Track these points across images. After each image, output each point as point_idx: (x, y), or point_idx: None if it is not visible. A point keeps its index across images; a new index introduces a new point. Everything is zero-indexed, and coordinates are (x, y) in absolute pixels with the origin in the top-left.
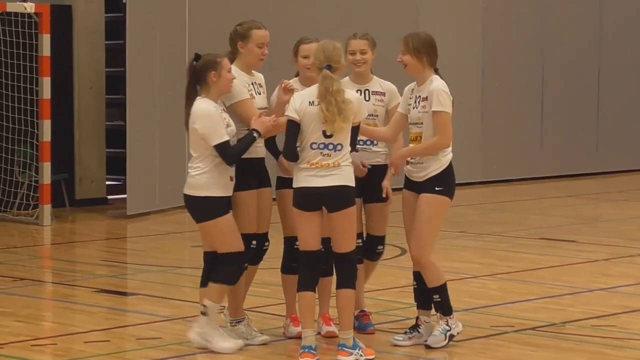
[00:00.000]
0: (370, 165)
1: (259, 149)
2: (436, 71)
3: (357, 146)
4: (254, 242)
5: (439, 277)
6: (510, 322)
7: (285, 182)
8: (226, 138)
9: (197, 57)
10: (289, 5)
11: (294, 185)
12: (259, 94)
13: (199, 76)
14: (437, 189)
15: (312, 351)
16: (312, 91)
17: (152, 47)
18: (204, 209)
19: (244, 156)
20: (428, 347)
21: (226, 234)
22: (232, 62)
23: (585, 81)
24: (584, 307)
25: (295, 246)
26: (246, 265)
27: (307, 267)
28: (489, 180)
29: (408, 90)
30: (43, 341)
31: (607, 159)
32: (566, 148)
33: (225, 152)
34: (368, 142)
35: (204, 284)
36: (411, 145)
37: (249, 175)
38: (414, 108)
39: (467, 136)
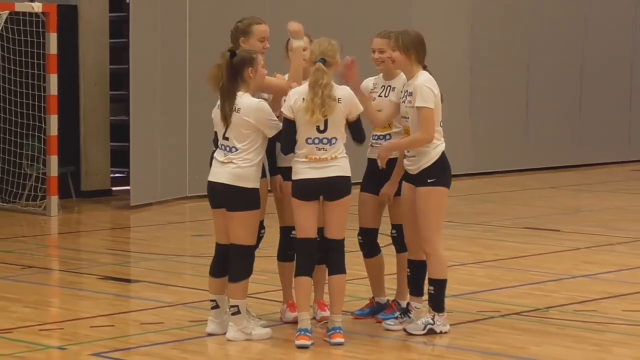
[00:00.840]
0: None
1: None
2: (425, 68)
3: (372, 141)
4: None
5: (440, 270)
6: (497, 307)
7: (283, 173)
8: (280, 128)
9: (233, 54)
10: (285, 3)
11: (294, 177)
12: None
13: (237, 72)
14: (429, 180)
15: (307, 333)
16: (306, 88)
17: (154, 45)
18: (248, 199)
19: None
20: (406, 331)
21: (254, 227)
22: None
23: (568, 77)
24: (567, 292)
25: (291, 235)
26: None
27: (304, 254)
28: (476, 172)
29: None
30: (50, 326)
31: (588, 152)
32: (550, 141)
33: (281, 141)
34: (380, 137)
35: (215, 273)
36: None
37: None
38: (402, 102)
39: (456, 130)
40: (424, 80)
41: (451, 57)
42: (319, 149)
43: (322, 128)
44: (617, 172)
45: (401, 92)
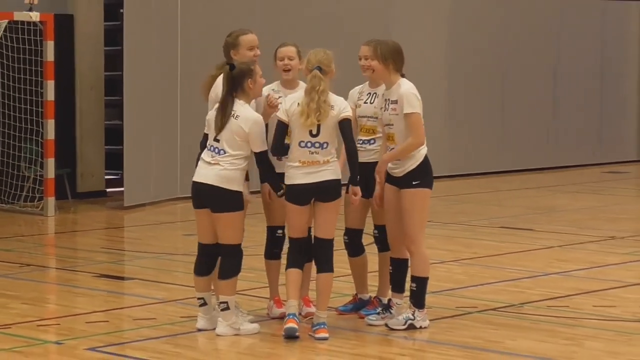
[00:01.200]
0: (366, 161)
1: None
2: (403, 76)
3: (357, 145)
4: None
5: (424, 268)
6: (474, 303)
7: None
8: (266, 148)
9: (232, 66)
10: (274, 14)
11: (287, 182)
12: None
13: (237, 84)
14: (414, 182)
15: (296, 318)
16: (302, 94)
17: (147, 52)
18: (233, 202)
19: None
20: (387, 326)
21: (240, 226)
22: None
23: (542, 83)
24: (541, 289)
25: (277, 234)
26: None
27: (296, 251)
28: (455, 175)
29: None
30: (48, 322)
31: (561, 154)
32: (524, 145)
33: (263, 159)
34: (365, 142)
35: (199, 272)
36: (389, 146)
37: None
38: (384, 110)
39: (434, 134)
40: (408, 87)
41: (430, 64)
42: (312, 153)
43: (314, 132)
44: (589, 174)
45: (359, 99)
